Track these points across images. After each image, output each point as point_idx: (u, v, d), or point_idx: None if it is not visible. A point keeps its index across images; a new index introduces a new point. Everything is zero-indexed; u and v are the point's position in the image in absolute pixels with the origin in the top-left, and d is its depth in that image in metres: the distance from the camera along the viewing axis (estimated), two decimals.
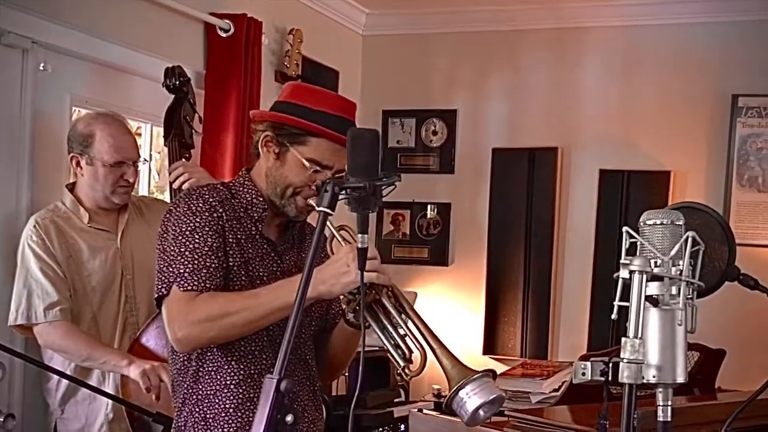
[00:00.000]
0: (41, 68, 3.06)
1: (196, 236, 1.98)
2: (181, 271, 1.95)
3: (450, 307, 5.01)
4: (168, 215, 2.03)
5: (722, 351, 3.26)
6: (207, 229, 1.99)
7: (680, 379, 1.47)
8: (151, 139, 3.83)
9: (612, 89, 4.82)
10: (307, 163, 2.02)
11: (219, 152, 3.88)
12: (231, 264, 2.01)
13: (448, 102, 5.13)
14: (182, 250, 1.96)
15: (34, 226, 2.80)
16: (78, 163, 2.88)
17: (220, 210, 2.03)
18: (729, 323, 3.86)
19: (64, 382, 2.82)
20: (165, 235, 2.01)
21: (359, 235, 1.69)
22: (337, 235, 1.98)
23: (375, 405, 4.27)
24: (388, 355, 1.90)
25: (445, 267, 5.10)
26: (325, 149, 2.02)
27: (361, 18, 5.23)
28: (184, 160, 3.10)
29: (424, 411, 2.99)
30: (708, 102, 4.63)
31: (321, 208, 1.60)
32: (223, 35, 3.93)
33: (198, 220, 1.99)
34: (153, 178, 3.99)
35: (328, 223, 1.85)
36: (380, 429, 4.19)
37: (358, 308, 1.93)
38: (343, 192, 1.64)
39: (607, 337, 4.58)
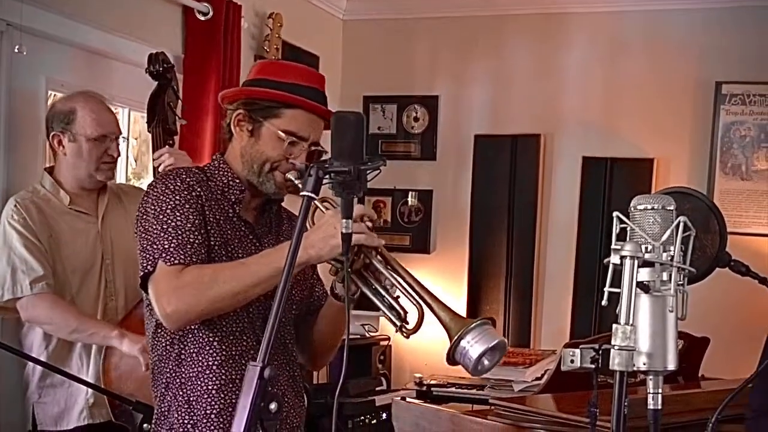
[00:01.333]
0: (16, 50, 3.03)
1: (178, 213, 1.95)
2: (166, 246, 1.93)
3: None
4: (145, 197, 2.01)
5: (706, 339, 3.26)
6: (188, 206, 1.97)
7: (671, 366, 1.45)
8: (128, 124, 3.77)
9: (595, 76, 4.81)
10: (283, 135, 2.01)
11: (198, 137, 3.85)
12: (212, 243, 1.99)
13: (429, 88, 5.11)
14: (165, 227, 1.94)
15: (15, 206, 2.78)
16: (60, 142, 2.87)
17: (198, 189, 2.01)
18: (713, 311, 3.85)
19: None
20: (145, 216, 1.98)
21: (344, 221, 1.65)
22: (320, 206, 1.97)
23: (357, 393, 4.27)
24: (384, 316, 1.88)
25: (426, 254, 5.08)
26: (301, 119, 2.02)
27: (342, 2, 5.19)
28: (168, 146, 3.09)
29: (407, 399, 2.98)
30: (691, 89, 4.62)
31: (305, 193, 1.57)
32: (202, 18, 3.89)
33: (178, 198, 1.97)
34: (130, 164, 3.94)
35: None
36: (362, 417, 4.18)
37: (345, 278, 1.89)
38: (328, 176, 1.61)
39: (590, 325, 4.59)
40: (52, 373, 2.77)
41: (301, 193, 1.59)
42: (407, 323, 1.84)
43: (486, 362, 1.71)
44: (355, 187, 1.62)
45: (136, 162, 4.02)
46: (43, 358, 2.77)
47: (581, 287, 4.69)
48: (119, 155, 2.98)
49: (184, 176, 2.02)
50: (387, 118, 5.17)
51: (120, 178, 3.69)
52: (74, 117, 2.85)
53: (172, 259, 1.92)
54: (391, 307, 1.87)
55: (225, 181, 2.06)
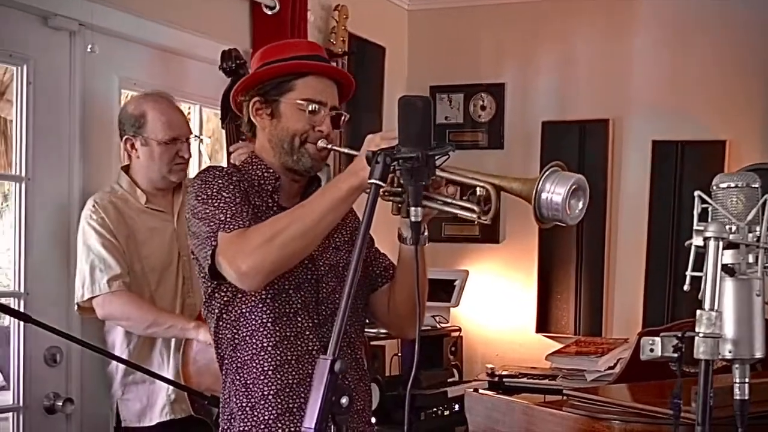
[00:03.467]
0: (89, 50, 3.07)
1: (224, 193, 1.98)
2: (222, 218, 1.94)
3: (502, 285, 4.95)
4: (189, 195, 2.04)
5: None
6: (232, 187, 2.00)
7: (758, 354, 1.42)
8: (200, 121, 3.80)
9: (664, 57, 4.70)
10: (302, 103, 2.02)
11: None
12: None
13: (496, 76, 5.06)
14: (216, 204, 1.96)
15: (93, 206, 2.84)
16: (132, 146, 2.92)
17: (236, 177, 2.04)
18: None
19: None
20: (193, 208, 2.00)
21: (412, 208, 1.63)
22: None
23: (429, 385, 4.24)
24: (462, 216, 1.83)
25: (496, 244, 5.03)
26: (314, 85, 2.04)
27: None
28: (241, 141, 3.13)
29: (480, 391, 2.95)
30: (762, 67, 4.48)
31: (373, 180, 1.57)
32: (269, 13, 3.92)
33: (220, 182, 2.00)
34: (204, 162, 3.98)
35: (346, 150, 1.91)
36: (434, 409, 4.16)
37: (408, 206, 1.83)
38: (395, 163, 1.61)
39: (663, 313, 4.50)
40: (134, 370, 2.82)
41: (369, 181, 1.58)
42: (482, 213, 1.79)
43: (578, 204, 1.67)
44: (423, 174, 1.61)
45: (211, 159, 4.07)
46: (125, 356, 2.83)
47: (653, 275, 4.59)
48: (191, 156, 3.01)
49: (220, 168, 2.06)
50: (454, 107, 5.13)
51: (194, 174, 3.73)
52: (145, 121, 2.89)
53: (231, 226, 1.93)
54: (464, 208, 1.82)
55: (259, 174, 2.08)
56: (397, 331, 2.31)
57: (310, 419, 1.37)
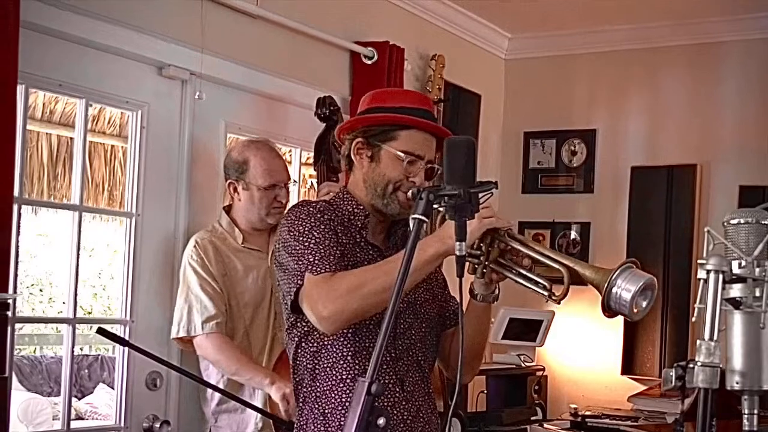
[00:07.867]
0: (196, 97, 3.27)
1: (316, 233, 2.07)
2: (311, 260, 2.02)
3: (589, 327, 4.97)
4: (281, 228, 2.14)
5: None
6: (323, 227, 2.08)
7: (766, 385, 1.44)
8: (300, 164, 3.95)
9: (751, 103, 4.70)
10: (401, 155, 2.11)
11: None
12: (345, 264, 2.09)
13: (587, 122, 5.14)
14: (306, 244, 2.05)
15: (194, 246, 3.02)
16: (235, 189, 3.09)
17: (328, 215, 2.13)
18: None
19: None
20: (285, 243, 2.10)
21: (457, 243, 1.70)
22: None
23: (511, 422, 4.29)
24: (534, 291, 1.95)
25: (583, 286, 5.04)
26: (416, 139, 2.13)
27: (504, 42, 5.31)
28: (330, 181, 3.29)
29: (545, 425, 3.00)
30: None
31: (416, 216, 1.63)
32: (368, 62, 4.07)
33: (313, 220, 2.09)
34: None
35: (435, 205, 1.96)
36: None
37: (486, 270, 2.00)
38: (442, 200, 1.67)
39: None
40: (227, 399, 2.97)
41: (412, 216, 1.63)
42: (553, 291, 1.92)
43: (642, 303, 1.75)
44: (467, 210, 1.68)
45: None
46: (220, 384, 2.98)
47: None
48: (288, 201, 3.14)
49: (313, 204, 2.15)
50: (546, 152, 5.22)
51: None
52: (247, 167, 3.04)
53: (318, 269, 2.01)
54: (536, 283, 1.94)
55: (350, 209, 2.17)
56: (453, 374, 2.28)
57: None
